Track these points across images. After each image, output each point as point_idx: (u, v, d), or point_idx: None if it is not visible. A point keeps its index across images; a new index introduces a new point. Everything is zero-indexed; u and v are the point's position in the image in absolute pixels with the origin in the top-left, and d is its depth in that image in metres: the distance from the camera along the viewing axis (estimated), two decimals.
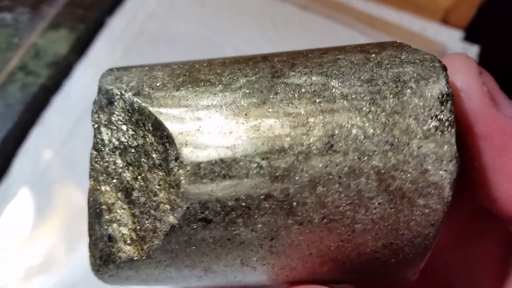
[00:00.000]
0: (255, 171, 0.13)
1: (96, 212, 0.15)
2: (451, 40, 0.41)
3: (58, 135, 0.37)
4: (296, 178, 0.13)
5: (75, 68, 0.39)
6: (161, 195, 0.14)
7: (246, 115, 0.13)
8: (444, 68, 0.13)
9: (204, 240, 0.14)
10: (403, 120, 0.13)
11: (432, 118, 0.13)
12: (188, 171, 0.13)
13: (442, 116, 0.12)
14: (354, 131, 0.13)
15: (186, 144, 0.13)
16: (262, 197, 0.13)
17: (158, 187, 0.14)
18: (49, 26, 0.39)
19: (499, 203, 0.14)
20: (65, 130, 0.37)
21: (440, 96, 0.13)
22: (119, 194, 0.15)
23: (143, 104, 0.14)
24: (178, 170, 0.13)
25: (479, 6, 0.43)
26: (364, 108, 0.13)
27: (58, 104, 0.38)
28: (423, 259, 0.14)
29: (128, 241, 0.15)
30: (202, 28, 0.40)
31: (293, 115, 0.13)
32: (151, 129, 0.14)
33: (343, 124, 0.13)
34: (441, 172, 0.12)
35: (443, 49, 0.40)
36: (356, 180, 0.13)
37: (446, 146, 0.12)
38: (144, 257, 0.14)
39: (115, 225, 0.15)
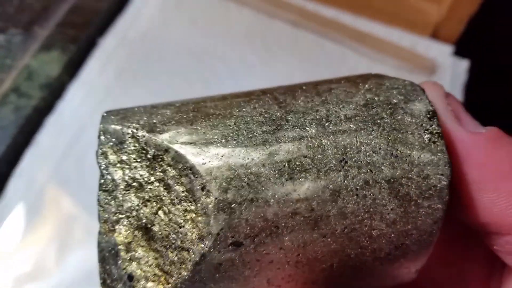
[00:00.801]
0: (280, 192, 0.14)
1: (111, 254, 0.15)
2: (441, 55, 0.41)
3: (52, 156, 0.37)
4: (319, 194, 0.14)
5: (68, 89, 0.39)
6: (187, 226, 0.14)
7: (264, 142, 0.14)
8: (423, 91, 0.15)
9: (233, 264, 0.14)
10: (401, 135, 0.15)
11: (424, 132, 0.15)
12: (216, 198, 0.14)
13: (432, 130, 0.15)
14: (363, 148, 0.14)
15: (211, 173, 0.14)
16: (289, 215, 0.14)
17: (183, 218, 0.14)
18: (41, 47, 0.40)
19: (468, 213, 0.15)
20: (58, 150, 0.37)
21: (426, 113, 0.15)
22: (136, 232, 0.15)
23: (160, 140, 0.15)
24: (205, 198, 0.14)
25: (468, 20, 0.43)
26: (367, 128, 0.15)
27: (51, 125, 0.38)
28: (426, 255, 0.15)
29: (151, 278, 0.14)
30: (194, 46, 0.40)
31: (307, 138, 0.14)
32: (171, 162, 0.14)
33: (353, 142, 0.14)
34: (438, 176, 0.14)
35: (433, 64, 0.41)
36: (371, 190, 0.14)
37: (439, 154, 0.14)
38: None
39: (134, 263, 0.15)
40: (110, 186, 0.15)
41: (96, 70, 0.40)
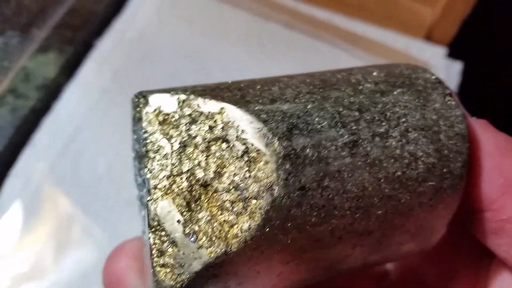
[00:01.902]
0: (336, 137, 0.15)
1: (167, 217, 0.14)
2: (434, 57, 0.42)
3: (48, 155, 0.37)
4: (370, 139, 0.15)
5: (64, 90, 0.39)
6: (252, 177, 0.14)
7: (312, 99, 0.15)
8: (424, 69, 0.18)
9: (301, 211, 0.14)
10: (423, 94, 0.16)
11: (438, 93, 0.17)
12: (279, 146, 0.14)
13: (443, 91, 0.17)
14: (397, 103, 0.16)
15: (271, 123, 0.14)
16: (348, 165, 0.15)
17: (247, 170, 0.14)
18: (38, 49, 0.40)
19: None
20: (54, 150, 0.38)
21: (436, 80, 0.17)
22: (196, 191, 0.14)
23: (211, 101, 0.15)
24: (268, 149, 0.14)
25: (462, 22, 0.44)
26: (394, 88, 0.17)
27: (48, 126, 0.38)
28: (457, 203, 0.16)
29: (217, 234, 0.14)
30: (190, 47, 0.41)
31: (348, 96, 0.16)
32: (227, 120, 0.14)
33: (387, 99, 0.16)
34: (459, 125, 0.16)
35: (426, 66, 0.41)
36: (411, 136, 0.16)
37: (456, 108, 0.16)
38: (240, 246, 0.13)
39: (196, 223, 0.14)
40: (157, 152, 0.14)
41: (93, 71, 0.40)
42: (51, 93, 0.39)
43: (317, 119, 0.15)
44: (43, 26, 0.41)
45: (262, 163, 0.14)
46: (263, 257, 0.14)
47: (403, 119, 0.16)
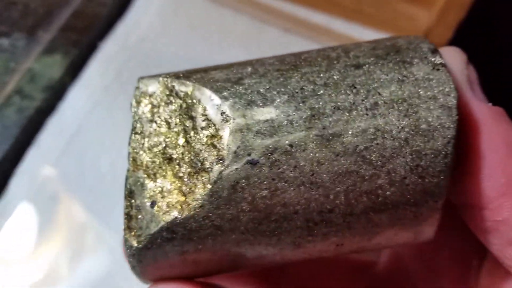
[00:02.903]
0: (295, 117, 0.15)
1: (137, 188, 0.16)
2: None
3: (53, 155, 0.39)
4: (329, 113, 0.15)
5: (69, 91, 0.40)
6: (207, 150, 0.15)
7: (278, 76, 0.16)
8: (427, 40, 0.16)
9: (249, 183, 0.14)
10: (407, 65, 0.15)
11: (428, 62, 0.15)
12: (233, 120, 0.15)
13: (435, 61, 0.15)
14: (370, 75, 0.15)
15: (229, 100, 0.15)
16: (302, 139, 0.15)
17: (204, 143, 0.15)
18: (44, 51, 0.41)
19: (467, 181, 0.15)
20: (59, 150, 0.39)
21: (429, 50, 0.16)
22: (162, 163, 0.16)
23: (186, 81, 0.16)
24: (224, 123, 0.15)
25: (457, 27, 0.45)
26: (374, 61, 0.16)
27: (53, 126, 0.39)
28: (444, 186, 0.15)
29: (173, 203, 0.15)
30: (192, 50, 0.42)
31: (318, 70, 0.16)
32: (195, 97, 0.16)
33: (360, 72, 0.15)
34: (446, 96, 0.15)
35: None
36: (380, 110, 0.15)
37: (444, 78, 0.15)
38: (190, 213, 0.15)
39: (158, 192, 0.15)
40: (139, 128, 0.16)
41: (97, 72, 0.41)
42: (56, 94, 0.40)
43: (276, 94, 0.15)
44: (49, 28, 0.42)
45: (217, 138, 0.15)
46: (214, 227, 0.15)
47: (373, 92, 0.15)
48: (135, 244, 0.15)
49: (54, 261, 0.35)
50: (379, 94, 0.15)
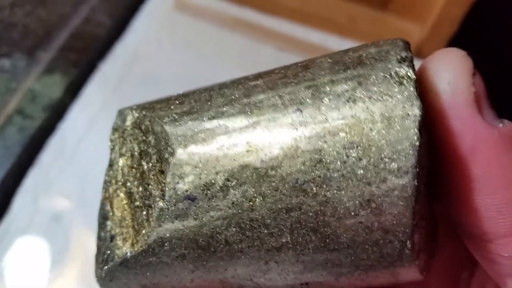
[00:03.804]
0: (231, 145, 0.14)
1: (104, 218, 0.16)
2: None
3: (54, 174, 0.39)
4: (269, 147, 0.14)
5: (69, 111, 0.41)
6: (154, 185, 0.15)
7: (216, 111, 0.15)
8: (406, 43, 0.14)
9: (188, 217, 0.14)
10: (363, 79, 0.13)
11: (391, 76, 0.13)
12: (176, 155, 0.15)
13: (400, 72, 0.13)
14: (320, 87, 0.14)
15: (176, 134, 0.15)
16: (239, 167, 0.14)
17: (153, 179, 0.15)
18: (44, 71, 0.42)
19: (460, 210, 0.14)
20: (59, 169, 0.40)
21: (398, 59, 0.13)
22: (123, 197, 0.16)
23: (150, 116, 0.16)
24: (169, 158, 0.15)
25: (450, 39, 0.45)
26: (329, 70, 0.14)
27: (54, 145, 0.40)
28: (406, 216, 0.13)
29: (127, 237, 0.16)
30: (188, 69, 0.43)
31: (262, 87, 0.15)
32: (155, 134, 0.16)
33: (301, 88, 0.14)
34: (406, 118, 0.13)
35: None
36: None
37: (406, 95, 0.13)
38: (139, 250, 0.15)
39: (117, 225, 0.16)
40: (112, 160, 0.17)
41: (96, 92, 0.42)
42: (56, 113, 0.41)
43: (219, 126, 0.14)
44: (49, 49, 0.43)
45: (161, 172, 0.15)
46: (164, 263, 0.15)
47: (319, 116, 0.13)
48: (99, 274, 0.16)
49: None
50: (325, 119, 0.13)
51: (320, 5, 0.46)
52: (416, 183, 0.12)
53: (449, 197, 0.14)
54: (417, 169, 0.12)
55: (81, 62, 0.43)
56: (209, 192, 0.14)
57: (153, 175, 0.15)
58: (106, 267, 0.16)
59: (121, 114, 0.17)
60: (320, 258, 0.14)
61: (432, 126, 0.14)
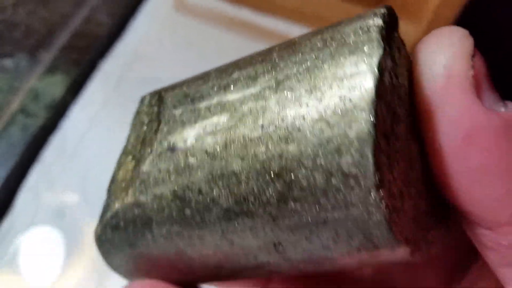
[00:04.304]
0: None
1: (109, 185, 0.17)
2: None
3: (56, 171, 0.40)
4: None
5: (71, 109, 0.42)
6: (149, 143, 0.16)
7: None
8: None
9: (171, 167, 0.15)
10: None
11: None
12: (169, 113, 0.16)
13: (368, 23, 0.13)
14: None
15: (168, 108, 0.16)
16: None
17: (151, 137, 0.16)
18: (46, 70, 0.43)
19: (455, 195, 0.13)
20: (61, 166, 0.40)
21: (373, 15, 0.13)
22: (130, 160, 0.17)
23: (161, 92, 0.18)
24: (163, 116, 0.16)
25: None
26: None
27: (56, 143, 0.41)
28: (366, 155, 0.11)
29: (120, 195, 0.16)
30: (188, 68, 0.43)
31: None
32: (161, 99, 0.17)
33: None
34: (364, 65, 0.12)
35: None
36: None
37: (372, 44, 0.12)
38: (127, 202, 0.16)
39: (118, 185, 0.17)
40: (129, 136, 0.18)
41: (97, 91, 0.43)
42: (58, 112, 0.42)
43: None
44: (51, 48, 0.44)
45: (157, 130, 0.16)
46: (147, 218, 0.16)
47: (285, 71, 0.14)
48: (97, 232, 0.17)
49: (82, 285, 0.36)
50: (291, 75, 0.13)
51: (319, 5, 0.47)
52: (373, 159, 0.11)
53: (448, 187, 0.13)
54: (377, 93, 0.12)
55: (83, 61, 0.43)
56: (188, 142, 0.15)
57: (151, 137, 0.16)
58: (101, 223, 0.17)
59: (142, 99, 0.18)
60: (287, 210, 0.13)
61: (426, 114, 0.13)
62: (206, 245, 0.15)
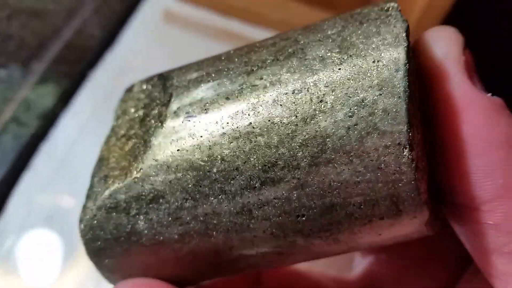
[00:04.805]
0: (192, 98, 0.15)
1: (97, 168, 0.17)
2: None
3: (47, 178, 0.42)
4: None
5: (61, 118, 0.44)
6: (154, 122, 0.16)
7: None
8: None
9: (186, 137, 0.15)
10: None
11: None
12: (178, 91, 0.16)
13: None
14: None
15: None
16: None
17: (154, 117, 0.16)
18: (38, 81, 0.44)
19: (449, 174, 0.14)
20: (52, 172, 0.42)
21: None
22: (124, 143, 0.17)
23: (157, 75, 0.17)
24: (172, 91, 0.16)
25: None
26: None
27: (46, 151, 0.42)
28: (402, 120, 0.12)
29: (118, 174, 0.15)
30: None
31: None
32: (163, 80, 0.17)
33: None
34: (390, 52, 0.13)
35: None
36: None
37: (394, 23, 0.13)
38: (131, 178, 0.15)
39: (112, 167, 0.16)
40: (117, 117, 0.18)
41: (87, 101, 0.44)
42: (49, 121, 0.43)
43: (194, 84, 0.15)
44: (43, 60, 0.45)
45: (168, 103, 0.16)
46: (158, 192, 0.15)
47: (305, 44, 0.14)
48: (82, 220, 0.16)
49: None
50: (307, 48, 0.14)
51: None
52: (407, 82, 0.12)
53: (440, 163, 0.14)
54: (407, 66, 0.12)
55: (73, 72, 0.45)
56: (208, 109, 0.14)
57: (159, 112, 0.16)
58: (88, 209, 0.15)
59: (129, 87, 0.19)
60: (317, 174, 0.13)
61: (426, 88, 0.14)
62: (219, 225, 0.14)
